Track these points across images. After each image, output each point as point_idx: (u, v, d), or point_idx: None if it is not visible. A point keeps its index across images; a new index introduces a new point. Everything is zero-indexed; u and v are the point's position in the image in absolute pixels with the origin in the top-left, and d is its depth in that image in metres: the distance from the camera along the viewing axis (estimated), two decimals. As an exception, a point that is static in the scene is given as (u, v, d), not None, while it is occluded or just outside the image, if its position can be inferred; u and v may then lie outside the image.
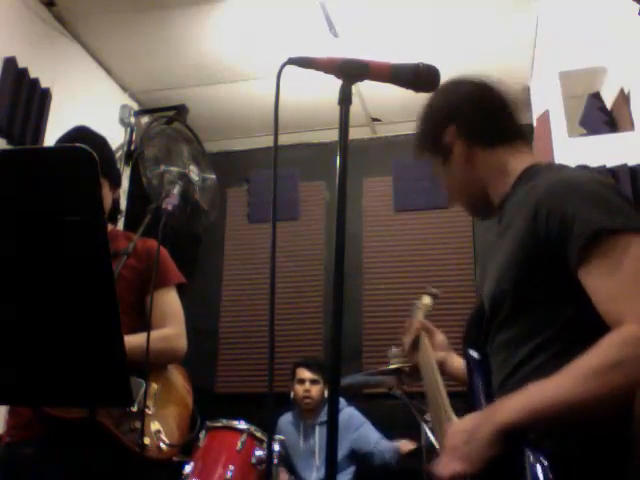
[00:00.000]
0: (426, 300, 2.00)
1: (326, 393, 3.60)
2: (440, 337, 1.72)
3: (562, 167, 1.35)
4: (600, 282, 1.11)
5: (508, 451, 1.06)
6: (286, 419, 3.76)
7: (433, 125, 1.44)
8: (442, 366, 1.63)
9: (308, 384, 3.66)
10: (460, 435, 1.13)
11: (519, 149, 1.40)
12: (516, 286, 1.22)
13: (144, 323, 1.96)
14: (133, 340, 1.77)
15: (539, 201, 1.20)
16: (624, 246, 1.10)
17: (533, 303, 1.20)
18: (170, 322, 2.02)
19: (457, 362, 1.64)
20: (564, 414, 1.04)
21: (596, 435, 1.07)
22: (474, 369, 1.32)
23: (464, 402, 1.31)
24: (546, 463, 1.02)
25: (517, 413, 1.06)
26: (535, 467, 1.02)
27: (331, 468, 0.92)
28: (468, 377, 1.35)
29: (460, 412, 1.30)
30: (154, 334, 1.85)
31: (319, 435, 3.61)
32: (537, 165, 1.36)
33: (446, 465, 1.13)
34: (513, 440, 1.06)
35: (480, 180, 1.40)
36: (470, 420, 1.16)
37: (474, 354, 1.33)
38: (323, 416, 3.64)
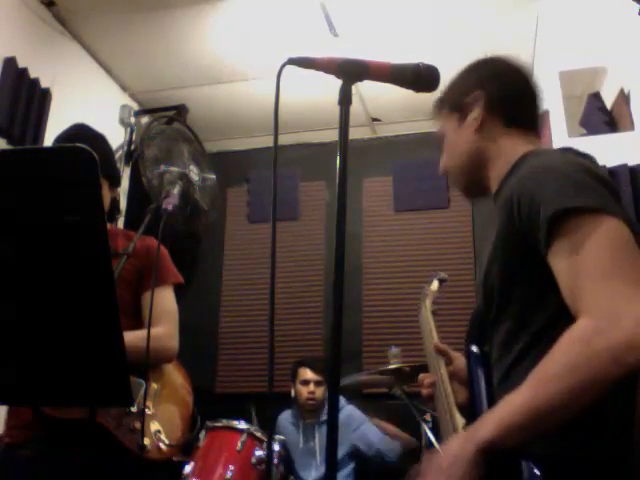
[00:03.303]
0: (434, 285, 1.88)
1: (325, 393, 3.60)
2: (458, 362, 1.51)
3: (540, 153, 1.29)
4: (561, 268, 1.05)
5: (504, 467, 1.03)
6: (286, 418, 3.71)
7: (462, 84, 1.44)
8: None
9: (313, 386, 3.58)
10: (446, 458, 1.07)
11: (530, 138, 1.37)
12: (501, 281, 1.19)
13: (137, 323, 1.96)
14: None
15: (512, 191, 1.18)
16: (588, 227, 1.03)
17: (519, 298, 1.16)
18: (162, 321, 2.00)
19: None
20: (537, 423, 1.00)
21: (598, 443, 1.04)
22: (475, 365, 1.29)
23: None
24: (539, 473, 0.99)
25: (491, 430, 1.02)
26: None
27: (331, 470, 0.92)
28: (468, 374, 1.31)
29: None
30: (144, 333, 1.82)
31: (319, 435, 3.57)
32: (531, 152, 1.31)
33: None
34: (502, 456, 1.02)
35: (483, 154, 1.37)
36: (455, 441, 1.10)
37: (475, 350, 1.29)
38: (323, 416, 3.59)
